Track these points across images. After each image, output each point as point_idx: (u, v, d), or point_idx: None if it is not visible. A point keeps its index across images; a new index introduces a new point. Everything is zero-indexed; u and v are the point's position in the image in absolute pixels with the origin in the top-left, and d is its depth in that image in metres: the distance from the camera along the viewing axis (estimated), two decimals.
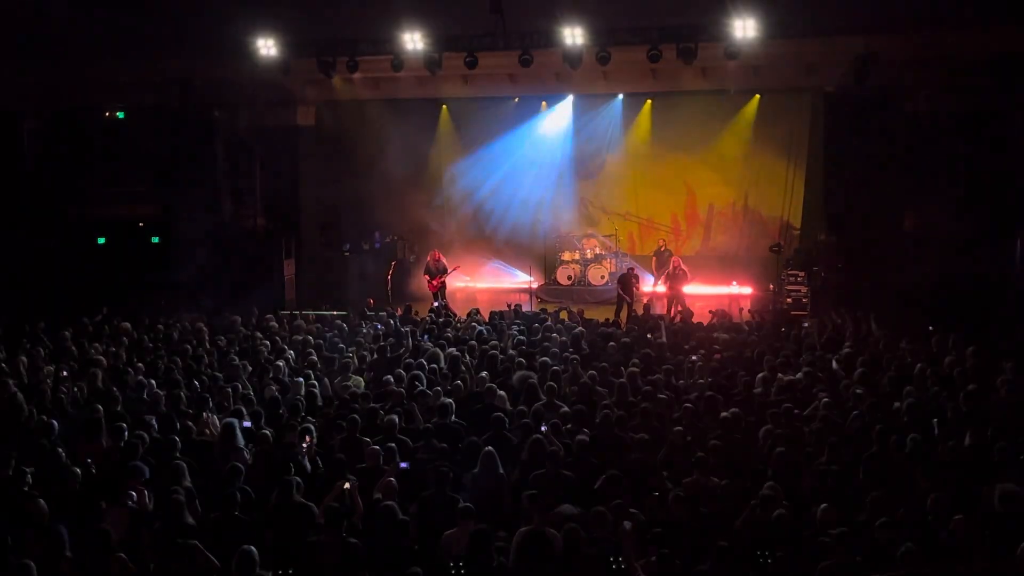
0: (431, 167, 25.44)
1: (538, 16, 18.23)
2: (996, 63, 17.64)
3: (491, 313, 16.96)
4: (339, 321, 16.64)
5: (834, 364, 12.96)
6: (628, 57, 18.90)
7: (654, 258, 22.82)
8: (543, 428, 10.04)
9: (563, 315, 17.02)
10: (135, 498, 8.35)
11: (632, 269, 20.80)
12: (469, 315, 17.09)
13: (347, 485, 8.56)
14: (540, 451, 9.30)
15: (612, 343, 14.22)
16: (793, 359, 13.14)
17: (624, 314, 18.99)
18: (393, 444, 9.57)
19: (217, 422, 10.80)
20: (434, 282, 20.42)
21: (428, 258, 21.04)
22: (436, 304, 18.84)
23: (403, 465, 9.18)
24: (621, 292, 19.88)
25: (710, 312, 17.15)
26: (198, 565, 7.26)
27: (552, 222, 24.75)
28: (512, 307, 17.55)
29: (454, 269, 21.08)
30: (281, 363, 13.23)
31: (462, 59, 18.80)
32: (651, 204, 24.95)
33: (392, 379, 12.12)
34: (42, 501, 7.93)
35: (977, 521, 7.50)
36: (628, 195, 25.01)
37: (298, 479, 8.60)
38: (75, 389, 12.03)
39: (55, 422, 10.36)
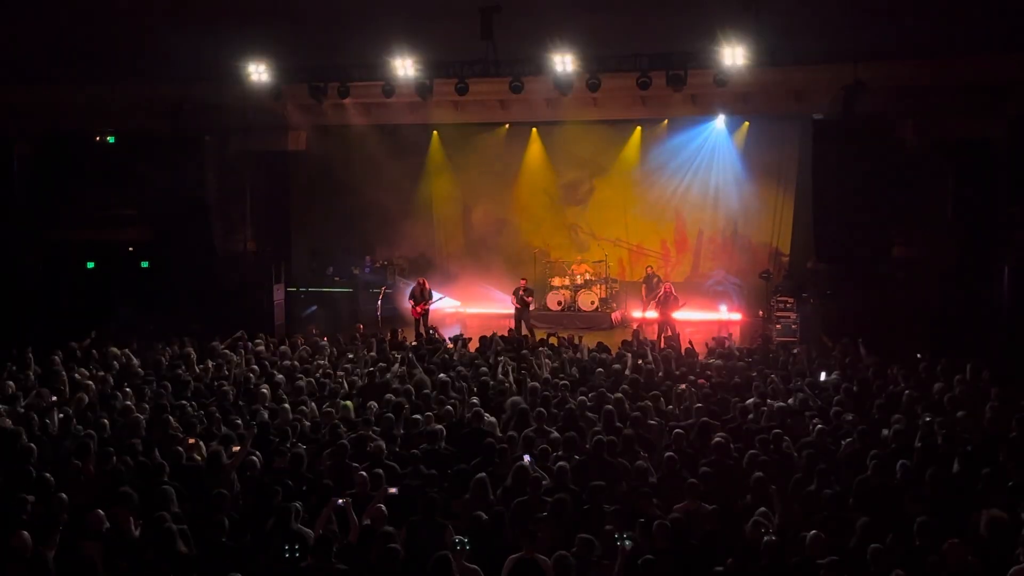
0: (421, 193, 25.49)
1: (529, 43, 18.32)
2: (983, 92, 17.79)
3: (481, 339, 16.93)
4: (328, 346, 16.57)
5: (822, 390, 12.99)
6: (618, 84, 19.01)
7: (643, 284, 22.86)
8: (525, 458, 9.96)
9: (552, 340, 17.02)
10: (104, 519, 8.27)
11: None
12: (457, 340, 17.05)
13: (341, 501, 8.51)
14: (524, 478, 9.25)
15: (601, 369, 14.19)
16: (782, 385, 13.16)
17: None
18: (381, 470, 9.52)
19: (204, 447, 10.73)
20: (418, 308, 20.39)
21: (415, 284, 21.05)
22: (431, 330, 18.80)
23: (392, 491, 9.12)
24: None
25: (706, 345, 17.05)
26: None
27: (542, 248, 24.84)
28: (509, 331, 17.55)
29: (440, 298, 21.09)
30: (268, 389, 13.15)
31: (453, 85, 18.87)
32: (641, 230, 25.05)
33: (382, 405, 12.06)
34: (26, 533, 7.82)
35: (966, 547, 7.48)
36: (618, 221, 25.11)
37: (296, 506, 8.54)
38: (62, 414, 11.91)
39: (38, 447, 10.29)
